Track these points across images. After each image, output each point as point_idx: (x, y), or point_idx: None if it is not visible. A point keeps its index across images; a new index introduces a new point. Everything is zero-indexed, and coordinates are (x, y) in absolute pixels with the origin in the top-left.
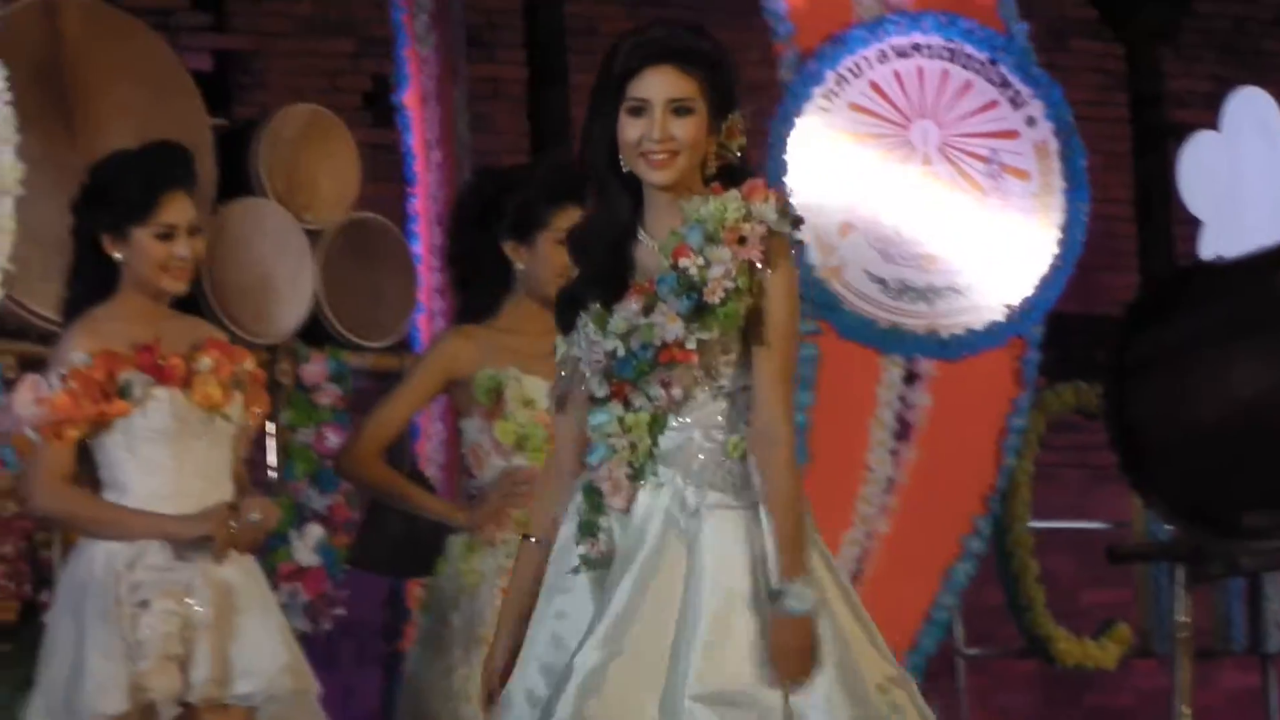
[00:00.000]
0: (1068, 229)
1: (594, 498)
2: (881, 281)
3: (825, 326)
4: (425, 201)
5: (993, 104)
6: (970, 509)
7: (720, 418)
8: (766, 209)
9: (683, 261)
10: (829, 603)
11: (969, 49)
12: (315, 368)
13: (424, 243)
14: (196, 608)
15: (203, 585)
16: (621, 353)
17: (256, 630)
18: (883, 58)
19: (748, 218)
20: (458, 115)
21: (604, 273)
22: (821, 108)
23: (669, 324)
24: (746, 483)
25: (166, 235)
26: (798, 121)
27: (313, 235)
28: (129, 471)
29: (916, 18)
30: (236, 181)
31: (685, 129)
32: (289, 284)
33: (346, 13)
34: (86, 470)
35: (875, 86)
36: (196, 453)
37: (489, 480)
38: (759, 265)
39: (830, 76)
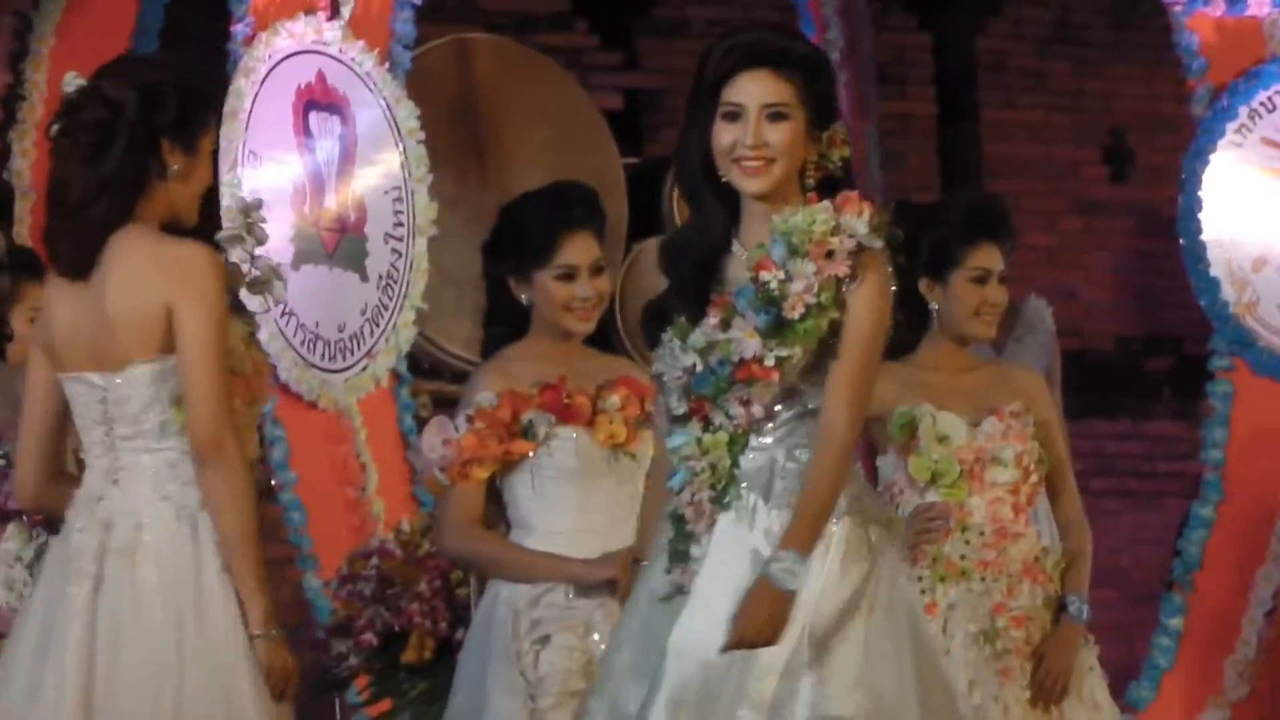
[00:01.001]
0: None
1: (680, 525)
2: None
3: (1239, 363)
4: None
5: None
6: None
7: (806, 437)
8: (857, 222)
9: (763, 275)
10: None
11: None
12: None
13: None
14: (597, 644)
15: (604, 621)
16: (700, 369)
17: None
18: None
19: (836, 231)
20: (869, 152)
21: (690, 286)
22: (1234, 143)
23: (746, 339)
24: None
25: (567, 276)
26: (1211, 158)
27: None
28: (534, 510)
29: None
30: (648, 219)
31: (780, 135)
32: None
33: None
34: (499, 510)
35: None
36: (602, 491)
37: (904, 516)
38: (845, 280)
39: (1243, 111)
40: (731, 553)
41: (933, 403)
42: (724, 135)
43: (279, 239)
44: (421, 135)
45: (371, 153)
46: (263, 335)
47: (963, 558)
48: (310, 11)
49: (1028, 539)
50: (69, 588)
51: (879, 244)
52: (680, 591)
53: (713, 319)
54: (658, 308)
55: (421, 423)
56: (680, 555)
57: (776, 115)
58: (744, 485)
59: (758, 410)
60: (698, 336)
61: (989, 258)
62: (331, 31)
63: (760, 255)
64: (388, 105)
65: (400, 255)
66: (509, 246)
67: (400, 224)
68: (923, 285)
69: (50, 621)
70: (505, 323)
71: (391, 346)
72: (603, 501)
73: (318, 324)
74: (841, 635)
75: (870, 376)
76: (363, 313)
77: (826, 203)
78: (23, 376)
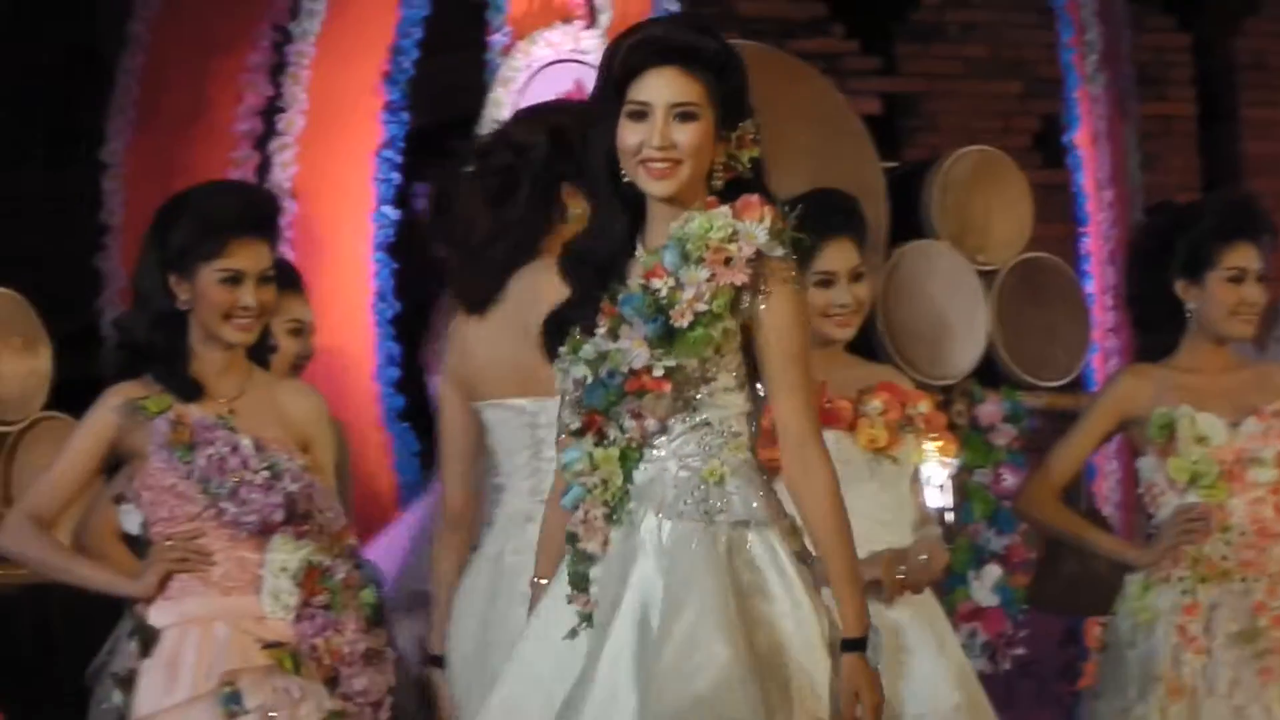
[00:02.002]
0: None
1: (575, 544)
2: None
3: None
4: (1097, 241)
5: None
6: None
7: (696, 446)
8: (757, 228)
9: (654, 282)
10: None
11: None
12: (990, 408)
13: (1096, 282)
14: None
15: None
16: (589, 381)
17: (928, 670)
18: None
19: (734, 237)
20: (1129, 154)
21: (588, 294)
22: None
23: (635, 349)
24: (726, 506)
25: (826, 283)
26: None
27: (985, 276)
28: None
29: None
30: (908, 224)
31: (689, 136)
32: (963, 325)
33: (1016, 54)
34: None
35: None
36: (864, 495)
37: (1165, 518)
38: (746, 291)
39: None
40: (625, 565)
41: (1192, 404)
42: (629, 135)
43: None
44: None
45: None
46: None
47: (1223, 558)
48: (568, 20)
49: None
50: (512, 609)
51: (780, 251)
52: (588, 621)
53: (602, 328)
54: (559, 318)
55: None
56: (579, 580)
57: (685, 115)
58: (635, 500)
59: (651, 423)
60: (588, 348)
61: (1245, 256)
62: (589, 40)
63: (654, 261)
64: None
65: None
66: None
67: None
68: (1179, 287)
69: (489, 645)
70: None
71: None
72: (867, 505)
73: None
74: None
75: (811, 383)
76: None
77: (725, 208)
78: (284, 388)
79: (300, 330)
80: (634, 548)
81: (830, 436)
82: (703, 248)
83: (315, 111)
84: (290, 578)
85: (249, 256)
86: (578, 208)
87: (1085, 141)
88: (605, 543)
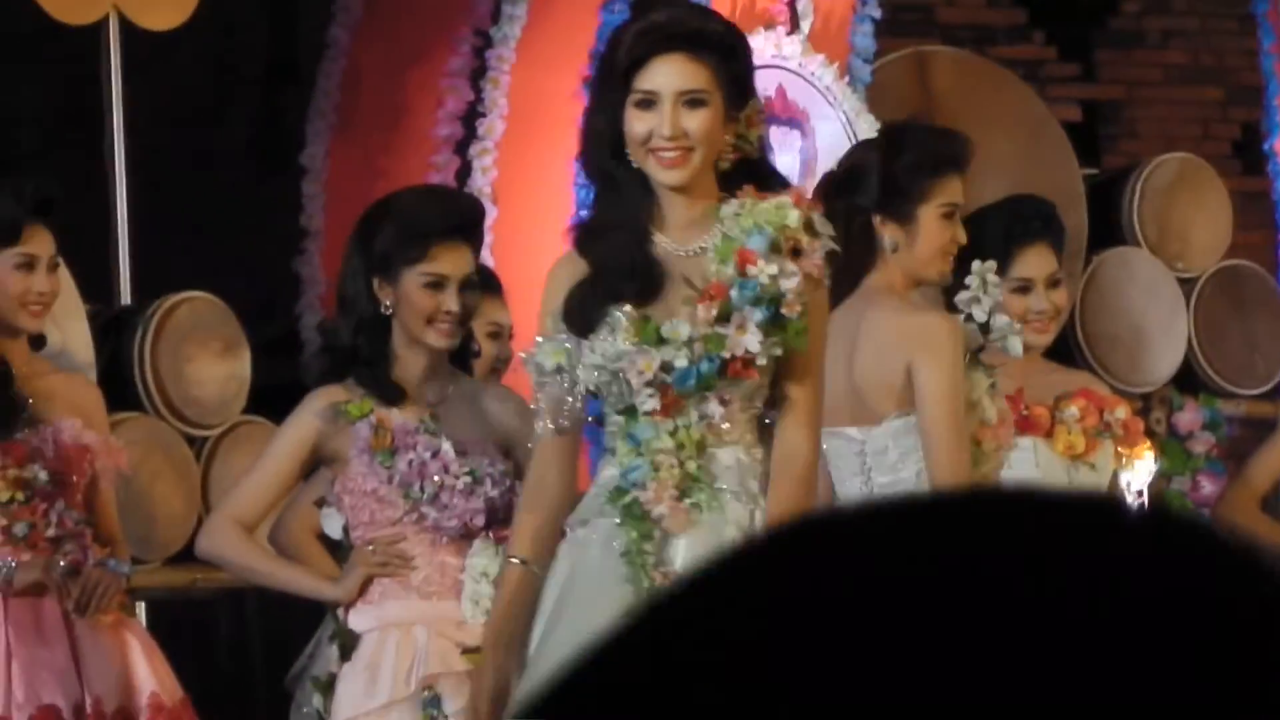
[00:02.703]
0: None
1: (640, 522)
2: None
3: None
4: None
5: None
6: None
7: (752, 437)
8: (827, 224)
9: (751, 269)
10: None
11: None
12: (1189, 415)
13: None
14: None
15: None
16: (683, 364)
17: None
18: None
19: (809, 229)
20: None
21: (634, 272)
22: None
23: (743, 336)
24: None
25: (1023, 289)
26: None
27: (1184, 283)
28: None
29: None
30: (1107, 231)
31: (699, 122)
32: (1162, 332)
33: (1217, 61)
34: None
35: None
36: None
37: None
38: (813, 282)
39: None
40: (691, 548)
41: None
42: (638, 124)
43: None
44: None
45: (831, 165)
46: None
47: None
48: (770, 26)
49: None
50: None
51: (832, 246)
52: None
53: (703, 311)
54: (592, 295)
55: None
56: (647, 558)
57: (694, 102)
58: (702, 481)
59: (735, 408)
60: (679, 328)
61: None
62: (791, 46)
63: (734, 247)
64: (847, 118)
65: None
66: (966, 259)
67: None
68: None
69: None
70: None
71: None
72: None
73: None
74: None
75: (821, 378)
76: None
77: (786, 197)
78: (485, 392)
79: (499, 334)
80: (695, 525)
81: (1026, 443)
82: (788, 238)
83: (515, 116)
84: (490, 583)
85: (452, 261)
86: (896, 237)
87: None
88: (685, 524)
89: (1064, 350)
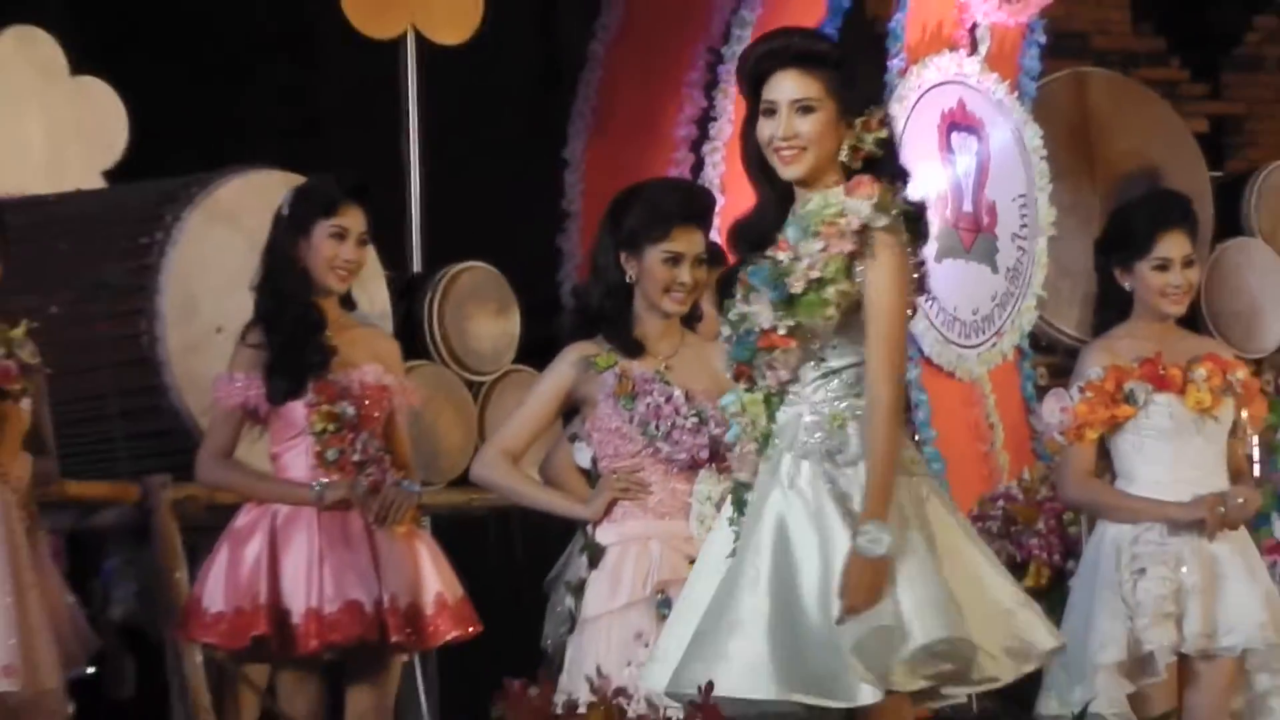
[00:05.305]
0: None
1: (736, 475)
2: None
3: None
4: None
5: None
6: None
7: (827, 393)
8: (862, 204)
9: (777, 254)
10: (958, 547)
11: None
12: None
13: None
14: (1187, 575)
15: (1192, 557)
16: (735, 338)
17: (1240, 593)
18: None
19: (842, 213)
20: None
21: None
22: None
23: (760, 312)
24: (843, 447)
25: (1163, 267)
26: None
27: None
28: (1135, 463)
29: None
30: (1229, 224)
31: (809, 125)
32: (1273, 308)
33: None
34: (1107, 464)
35: None
36: (1192, 448)
37: None
38: (858, 258)
39: None
40: (763, 497)
41: None
42: (764, 129)
43: None
44: (1044, 153)
45: (1002, 166)
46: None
47: None
48: (953, 49)
49: None
50: None
51: (883, 221)
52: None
53: (738, 294)
54: (725, 280)
55: (1041, 391)
56: (740, 505)
57: (805, 108)
58: (776, 439)
59: (783, 374)
60: (732, 311)
61: None
62: (970, 65)
63: (780, 237)
64: (1017, 127)
65: (1024, 252)
66: (1116, 243)
67: (1025, 225)
68: None
69: None
70: (1112, 307)
71: (1016, 327)
72: (1194, 457)
73: (955, 308)
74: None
75: (898, 338)
76: (993, 299)
77: (839, 188)
78: (710, 349)
79: None
80: (772, 481)
81: (1162, 399)
82: (818, 223)
83: (740, 120)
84: (714, 505)
85: (688, 241)
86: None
87: None
88: (755, 473)
89: (1193, 323)
